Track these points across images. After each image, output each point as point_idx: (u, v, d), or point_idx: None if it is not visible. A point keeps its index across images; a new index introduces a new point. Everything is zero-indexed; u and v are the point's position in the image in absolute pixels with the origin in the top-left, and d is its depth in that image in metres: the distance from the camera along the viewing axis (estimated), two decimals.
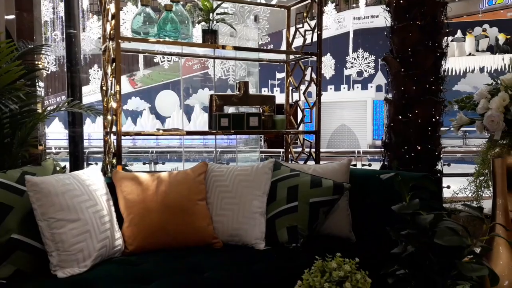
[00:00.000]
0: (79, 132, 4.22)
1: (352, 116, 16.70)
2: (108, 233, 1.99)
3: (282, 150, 3.55)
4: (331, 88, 16.25)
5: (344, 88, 16.44)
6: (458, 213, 1.29)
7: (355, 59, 14.23)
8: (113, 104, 2.53)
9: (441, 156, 3.02)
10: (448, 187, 4.43)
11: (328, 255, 1.32)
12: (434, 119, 2.93)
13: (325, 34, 15.85)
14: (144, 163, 7.80)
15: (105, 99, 2.70)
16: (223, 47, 2.97)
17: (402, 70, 2.97)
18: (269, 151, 9.28)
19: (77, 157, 4.16)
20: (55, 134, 15.76)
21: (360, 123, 16.59)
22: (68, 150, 4.37)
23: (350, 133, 16.87)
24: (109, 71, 2.61)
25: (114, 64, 2.53)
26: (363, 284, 1.16)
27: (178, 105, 17.44)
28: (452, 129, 2.80)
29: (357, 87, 16.23)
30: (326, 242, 2.36)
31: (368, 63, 14.09)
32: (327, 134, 16.78)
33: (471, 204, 2.79)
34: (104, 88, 2.73)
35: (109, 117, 2.64)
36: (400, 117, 2.99)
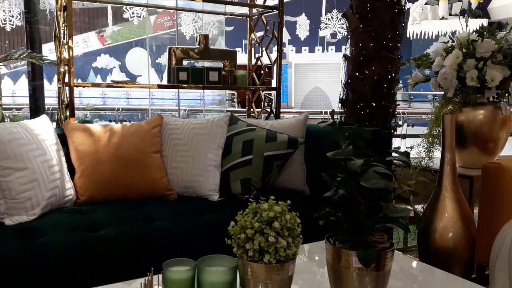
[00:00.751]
0: (39, 86, 4.12)
1: (326, 79, 16.66)
2: (58, 182, 1.99)
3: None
4: (305, 50, 16.10)
5: (318, 50, 16.29)
6: (392, 164, 1.33)
7: (329, 19, 14.08)
8: (65, 54, 2.48)
9: (396, 113, 3.08)
10: (411, 147, 4.52)
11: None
12: (390, 76, 2.97)
13: None
14: (110, 121, 7.71)
15: (58, 49, 2.63)
16: None
17: (361, 26, 2.97)
18: (236, 110, 9.25)
19: (38, 111, 4.07)
20: (23, 91, 15.30)
21: (333, 86, 16.59)
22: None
23: (323, 95, 16.91)
24: (61, 20, 2.54)
25: (66, 12, 2.46)
26: (292, 224, 1.21)
27: (150, 63, 17.08)
28: (408, 86, 2.84)
29: (331, 49, 16.10)
30: (280, 194, 2.40)
31: (342, 24, 13.96)
32: (300, 96, 16.76)
33: (421, 161, 2.89)
34: (57, 38, 2.66)
35: (61, 69, 2.59)
36: (357, 73, 3.01)
